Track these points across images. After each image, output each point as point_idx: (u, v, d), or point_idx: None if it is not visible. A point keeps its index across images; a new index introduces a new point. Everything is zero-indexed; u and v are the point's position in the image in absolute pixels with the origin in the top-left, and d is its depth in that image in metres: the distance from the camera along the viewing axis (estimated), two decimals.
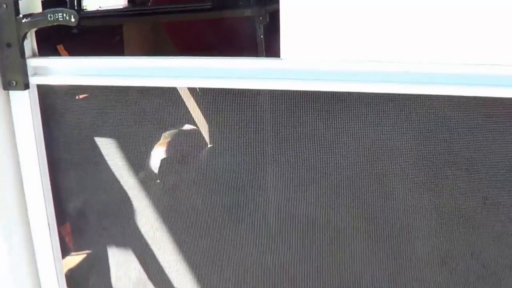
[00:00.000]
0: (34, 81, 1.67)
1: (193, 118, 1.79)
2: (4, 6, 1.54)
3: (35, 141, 1.69)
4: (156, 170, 1.82)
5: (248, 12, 3.36)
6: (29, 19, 1.55)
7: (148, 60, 1.53)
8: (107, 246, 1.84)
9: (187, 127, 1.81)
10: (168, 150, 1.81)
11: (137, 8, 4.01)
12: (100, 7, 4.22)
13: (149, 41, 4.26)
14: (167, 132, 1.79)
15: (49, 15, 1.52)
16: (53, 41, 3.52)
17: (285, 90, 1.49)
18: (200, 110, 1.74)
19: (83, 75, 1.62)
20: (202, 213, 1.67)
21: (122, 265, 1.74)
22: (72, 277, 1.77)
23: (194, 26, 3.92)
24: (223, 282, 1.66)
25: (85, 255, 1.87)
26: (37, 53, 1.67)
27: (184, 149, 1.82)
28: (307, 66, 1.40)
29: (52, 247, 1.72)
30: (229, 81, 1.48)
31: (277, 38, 3.65)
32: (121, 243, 1.83)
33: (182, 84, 1.60)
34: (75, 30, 3.75)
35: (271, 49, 3.62)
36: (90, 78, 1.61)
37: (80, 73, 1.62)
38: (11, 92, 1.65)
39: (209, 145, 1.75)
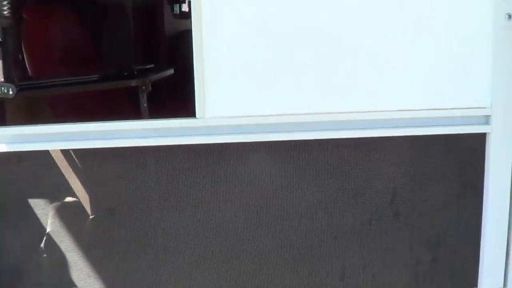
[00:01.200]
0: None
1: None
2: None
3: None
4: (42, 245, 1.78)
5: (133, 83, 3.55)
6: None
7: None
8: None
9: (69, 199, 1.79)
10: (51, 224, 1.80)
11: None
12: None
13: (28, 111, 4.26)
14: (53, 204, 1.77)
15: None
16: None
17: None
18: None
19: None
20: None
21: None
22: None
23: (76, 97, 4.01)
24: None
25: None
26: None
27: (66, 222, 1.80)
28: (220, 122, 1.58)
29: None
30: (150, 140, 1.62)
31: (160, 105, 3.84)
32: None
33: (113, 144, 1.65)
34: None
35: (154, 116, 3.82)
36: None
37: None
38: None
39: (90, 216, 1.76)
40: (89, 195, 1.65)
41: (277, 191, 1.60)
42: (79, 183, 1.72)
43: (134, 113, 3.76)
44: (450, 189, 1.60)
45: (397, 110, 1.50)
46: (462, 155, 1.59)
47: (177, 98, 4.47)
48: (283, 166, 1.60)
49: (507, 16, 1.45)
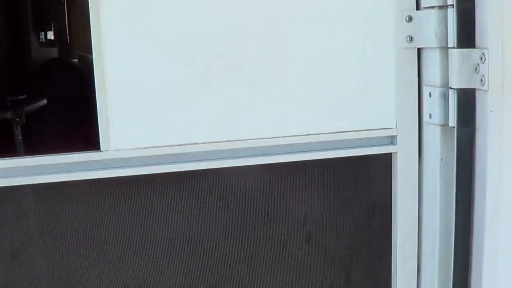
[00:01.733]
0: None
1: None
2: None
3: None
4: None
5: (8, 115, 3.33)
6: None
7: None
8: None
9: None
10: None
11: None
12: None
13: None
14: None
15: None
16: None
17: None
18: None
19: None
20: None
21: None
22: None
23: None
24: None
25: None
26: None
27: None
28: (127, 155, 1.47)
29: None
30: (54, 176, 1.49)
31: (36, 137, 3.64)
32: None
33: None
34: None
35: (29, 148, 3.62)
36: None
37: None
38: None
39: None
40: None
41: (186, 222, 1.56)
42: None
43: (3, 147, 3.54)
44: (361, 209, 1.64)
45: (306, 135, 1.52)
46: (370, 175, 1.64)
47: (53, 129, 4.27)
48: (191, 197, 1.56)
49: (408, 38, 1.52)
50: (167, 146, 1.48)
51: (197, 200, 1.57)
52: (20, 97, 3.65)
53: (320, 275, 1.67)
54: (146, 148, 1.48)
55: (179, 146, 1.49)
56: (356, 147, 1.57)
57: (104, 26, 1.42)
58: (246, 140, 1.50)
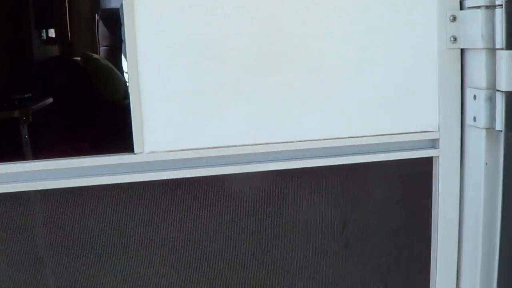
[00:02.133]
0: None
1: None
2: None
3: None
4: None
5: (15, 114, 3.27)
6: None
7: None
8: None
9: None
10: None
11: None
12: None
13: None
14: None
15: None
16: None
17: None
18: None
19: None
20: None
21: None
22: None
23: None
24: None
25: None
26: None
27: None
28: (161, 157, 1.42)
29: None
30: (83, 179, 1.45)
31: (42, 137, 3.57)
32: None
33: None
34: None
35: (36, 149, 3.56)
36: None
37: None
38: None
39: None
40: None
41: (220, 228, 1.51)
42: None
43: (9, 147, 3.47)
44: (400, 215, 1.60)
45: (348, 137, 1.48)
46: (411, 179, 1.59)
47: (59, 129, 4.21)
48: (227, 201, 1.51)
49: (452, 38, 1.48)
50: (202, 148, 1.43)
51: (237, 205, 1.52)
52: (26, 96, 3.58)
53: (359, 282, 1.63)
54: (181, 150, 1.43)
55: (215, 149, 1.44)
56: (398, 150, 1.53)
57: (138, 28, 1.37)
58: (285, 143, 1.46)
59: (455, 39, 1.48)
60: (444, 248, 1.59)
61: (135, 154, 1.42)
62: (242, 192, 1.52)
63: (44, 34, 5.49)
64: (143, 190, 1.47)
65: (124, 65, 5.42)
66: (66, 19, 5.62)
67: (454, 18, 1.46)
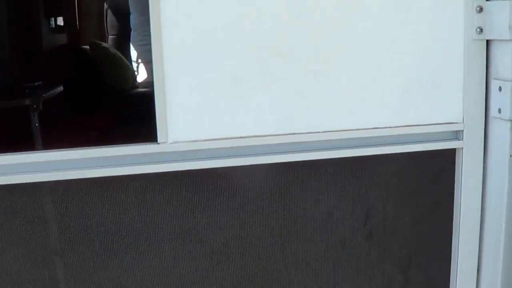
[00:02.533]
0: None
1: None
2: None
3: None
4: None
5: (26, 101, 3.26)
6: None
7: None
8: None
9: None
10: None
11: None
12: None
13: None
14: None
15: None
16: None
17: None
18: None
19: None
20: None
21: None
22: None
23: None
24: None
25: None
26: None
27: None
28: (185, 148, 1.41)
29: None
30: (109, 169, 1.40)
31: (52, 125, 3.57)
32: None
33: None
34: None
35: (46, 137, 3.55)
36: None
37: None
38: None
39: None
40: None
41: (245, 218, 1.50)
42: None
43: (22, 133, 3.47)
44: (422, 207, 1.59)
45: (372, 128, 1.47)
46: (435, 170, 1.58)
47: (69, 117, 4.20)
48: (251, 192, 1.49)
49: (478, 29, 1.46)
50: (226, 138, 1.42)
51: (262, 196, 1.51)
52: (36, 84, 3.56)
53: (380, 275, 1.62)
54: (205, 140, 1.41)
55: (239, 139, 1.42)
56: (422, 141, 1.52)
57: (163, 13, 1.34)
58: (311, 133, 1.45)
59: (481, 30, 1.47)
60: (465, 241, 1.58)
61: (159, 144, 1.40)
62: (264, 183, 1.51)
63: (52, 23, 5.48)
64: (167, 180, 1.46)
65: (133, 54, 5.41)
66: (75, 8, 5.60)
67: (480, 9, 1.45)
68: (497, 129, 1.50)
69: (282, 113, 1.42)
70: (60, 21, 5.61)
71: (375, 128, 1.48)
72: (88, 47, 5.02)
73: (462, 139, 1.53)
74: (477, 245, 1.59)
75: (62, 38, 5.58)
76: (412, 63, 1.48)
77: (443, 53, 1.49)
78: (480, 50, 1.49)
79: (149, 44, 1.36)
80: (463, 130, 1.52)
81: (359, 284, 1.60)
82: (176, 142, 1.40)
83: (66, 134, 3.79)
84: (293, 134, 1.43)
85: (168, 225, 1.48)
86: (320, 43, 1.42)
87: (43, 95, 3.45)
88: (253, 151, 1.44)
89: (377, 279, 1.61)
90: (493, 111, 1.50)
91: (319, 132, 1.44)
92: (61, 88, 3.95)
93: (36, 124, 3.48)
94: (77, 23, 5.69)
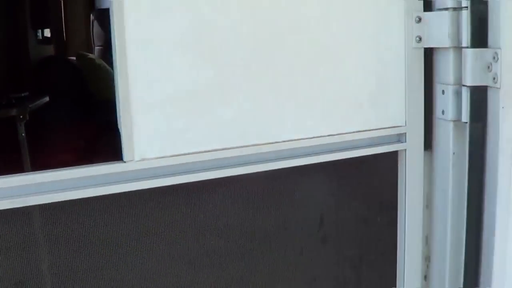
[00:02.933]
0: None
1: None
2: None
3: None
4: None
5: (13, 112, 3.37)
6: None
7: None
8: None
9: None
10: None
11: None
12: None
13: None
14: None
15: None
16: None
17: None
18: None
19: None
20: None
21: None
22: None
23: None
24: None
25: None
26: None
27: None
28: (152, 164, 1.38)
29: None
30: (70, 193, 1.32)
31: (38, 135, 3.68)
32: None
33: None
34: None
35: (33, 146, 3.66)
36: None
37: None
38: None
39: None
40: None
41: (206, 231, 1.56)
42: None
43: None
44: (371, 208, 1.71)
45: (325, 136, 1.55)
46: (382, 173, 1.70)
47: (55, 127, 4.32)
48: (208, 205, 1.54)
49: (417, 38, 1.59)
50: (193, 153, 1.43)
51: (221, 208, 1.55)
52: (23, 94, 3.68)
53: (335, 276, 1.72)
54: (172, 156, 1.41)
55: (203, 153, 1.44)
56: (368, 146, 1.62)
57: (127, 33, 1.33)
58: (269, 144, 1.50)
59: (420, 39, 1.59)
60: (411, 239, 1.70)
61: (125, 162, 1.37)
62: (229, 195, 1.56)
63: (40, 34, 5.60)
64: (134, 199, 1.43)
65: None
66: (62, 20, 5.72)
67: (419, 19, 1.57)
68: (441, 129, 1.64)
69: (241, 126, 1.47)
70: (48, 32, 5.73)
71: (329, 135, 1.56)
72: (74, 58, 5.15)
73: (405, 141, 1.65)
74: (421, 242, 1.71)
75: (50, 49, 5.70)
76: (359, 73, 1.58)
77: (387, 62, 1.60)
78: (419, 58, 1.61)
79: None
80: (406, 133, 1.64)
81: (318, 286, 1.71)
82: (143, 159, 1.38)
83: (53, 143, 3.92)
84: (250, 146, 1.49)
85: (137, 244, 1.48)
86: (273, 57, 1.49)
87: (30, 105, 3.57)
88: (215, 164, 1.47)
89: (333, 281, 1.72)
90: (437, 113, 1.64)
91: (279, 142, 1.51)
92: (47, 99, 4.07)
93: (23, 134, 3.59)
94: (64, 34, 5.83)
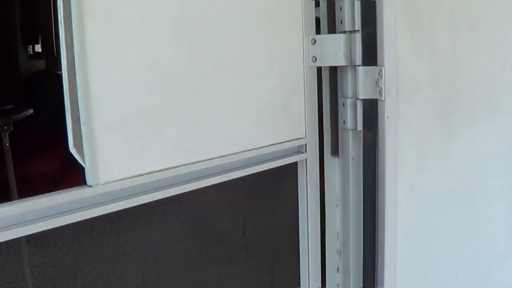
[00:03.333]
0: None
1: None
2: None
3: None
4: None
5: None
6: None
7: None
8: None
9: None
10: None
11: None
12: None
13: None
14: None
15: None
16: None
17: None
18: None
19: None
20: None
21: None
22: None
23: None
24: None
25: None
26: None
27: None
28: (117, 187, 1.37)
29: None
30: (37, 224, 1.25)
31: (22, 145, 3.90)
32: None
33: None
34: None
35: (17, 155, 3.90)
36: None
37: None
38: None
39: None
40: None
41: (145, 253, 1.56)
42: None
43: None
44: (279, 216, 1.86)
45: (233, 154, 1.62)
46: (288, 183, 1.85)
47: (39, 137, 4.57)
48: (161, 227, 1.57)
49: (313, 58, 1.78)
50: (147, 174, 1.44)
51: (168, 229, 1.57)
52: (8, 107, 3.93)
53: (256, 281, 1.85)
54: (134, 177, 1.41)
55: (157, 173, 1.46)
56: (274, 159, 1.74)
57: (89, 55, 1.30)
58: (202, 161, 1.55)
59: (315, 59, 1.80)
60: (311, 243, 1.89)
61: (92, 187, 1.33)
62: (175, 212, 1.60)
63: (30, 49, 5.85)
64: (100, 222, 1.41)
65: None
66: (52, 35, 5.97)
67: (314, 41, 1.80)
68: (344, 137, 1.86)
69: (185, 144, 1.51)
70: (38, 48, 5.98)
71: (237, 153, 1.63)
72: None
73: (306, 151, 1.82)
74: (319, 245, 1.91)
75: (40, 64, 5.95)
76: (265, 92, 1.69)
77: (288, 80, 1.76)
78: (313, 74, 1.79)
79: None
80: (306, 144, 1.81)
81: None
82: (108, 182, 1.36)
83: (37, 152, 4.17)
84: (193, 163, 1.53)
85: (102, 269, 1.48)
86: (203, 76, 1.54)
87: (13, 117, 3.81)
88: (167, 183, 1.50)
89: (254, 284, 1.85)
90: (340, 123, 1.86)
91: (214, 159, 1.58)
92: (30, 111, 4.31)
93: (7, 144, 3.83)
94: (55, 49, 6.08)
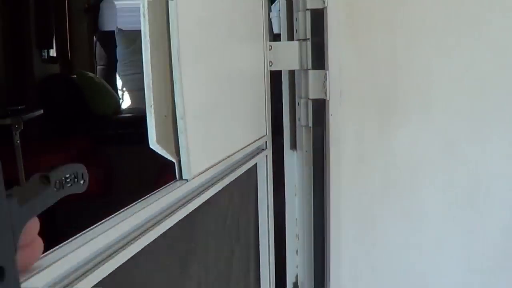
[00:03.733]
0: None
1: None
2: None
3: None
4: None
5: (7, 121, 3.89)
6: None
7: None
8: None
9: None
10: None
11: None
12: None
13: None
14: None
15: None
16: None
17: None
18: None
19: None
20: None
21: None
22: None
23: None
24: None
25: None
26: None
27: None
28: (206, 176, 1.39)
29: None
30: None
31: (32, 143, 4.19)
32: None
33: None
34: None
35: (27, 153, 4.20)
36: None
37: None
38: None
39: None
40: None
41: None
42: None
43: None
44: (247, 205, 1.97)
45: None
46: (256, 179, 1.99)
47: (48, 136, 4.87)
48: None
49: (270, 63, 1.98)
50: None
51: None
52: (19, 107, 4.23)
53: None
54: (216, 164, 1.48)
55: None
56: (243, 163, 1.76)
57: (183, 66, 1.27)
58: None
59: (271, 63, 2.02)
60: (271, 230, 2.08)
61: (187, 181, 1.30)
62: None
63: (45, 54, 6.17)
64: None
65: (119, 83, 6.08)
66: (67, 40, 6.30)
67: (271, 48, 2.04)
68: (299, 133, 2.10)
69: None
70: (53, 52, 6.30)
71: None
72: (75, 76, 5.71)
73: (266, 148, 2.00)
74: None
75: (54, 68, 6.27)
76: (234, 93, 1.72)
77: (254, 82, 1.92)
78: (270, 77, 1.97)
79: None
80: (266, 142, 1.99)
81: None
82: (200, 174, 1.37)
83: (46, 150, 4.46)
84: None
85: None
86: None
87: (23, 116, 4.10)
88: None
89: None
90: (297, 120, 2.11)
91: None
92: (41, 111, 4.61)
93: (18, 141, 4.12)
94: (69, 54, 6.39)
